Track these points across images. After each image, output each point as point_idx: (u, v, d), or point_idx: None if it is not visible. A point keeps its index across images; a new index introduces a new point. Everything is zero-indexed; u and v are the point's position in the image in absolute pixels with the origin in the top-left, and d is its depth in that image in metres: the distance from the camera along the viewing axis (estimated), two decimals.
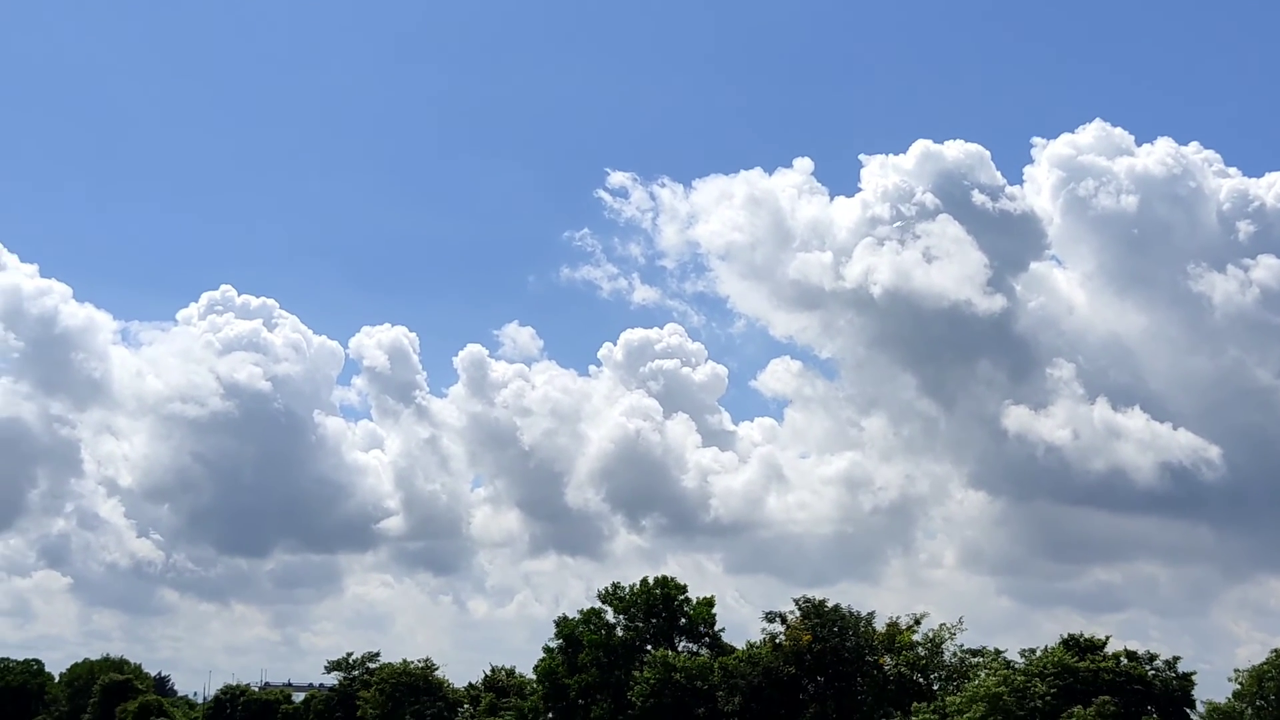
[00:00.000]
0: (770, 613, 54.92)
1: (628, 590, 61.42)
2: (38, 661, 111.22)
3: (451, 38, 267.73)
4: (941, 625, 50.70)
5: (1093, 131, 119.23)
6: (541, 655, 62.72)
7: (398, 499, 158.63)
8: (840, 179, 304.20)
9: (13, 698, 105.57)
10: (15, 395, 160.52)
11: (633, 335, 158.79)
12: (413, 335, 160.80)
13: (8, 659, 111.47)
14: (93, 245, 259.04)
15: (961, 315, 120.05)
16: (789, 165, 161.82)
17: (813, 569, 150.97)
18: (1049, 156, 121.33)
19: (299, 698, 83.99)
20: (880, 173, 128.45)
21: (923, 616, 52.00)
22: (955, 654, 49.75)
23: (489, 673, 70.35)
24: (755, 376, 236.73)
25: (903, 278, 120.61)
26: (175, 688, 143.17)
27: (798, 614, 53.67)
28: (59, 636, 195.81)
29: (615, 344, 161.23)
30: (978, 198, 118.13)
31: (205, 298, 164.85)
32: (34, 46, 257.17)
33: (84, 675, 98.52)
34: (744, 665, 53.66)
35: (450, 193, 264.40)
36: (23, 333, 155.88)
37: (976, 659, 48.57)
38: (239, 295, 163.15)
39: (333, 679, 77.24)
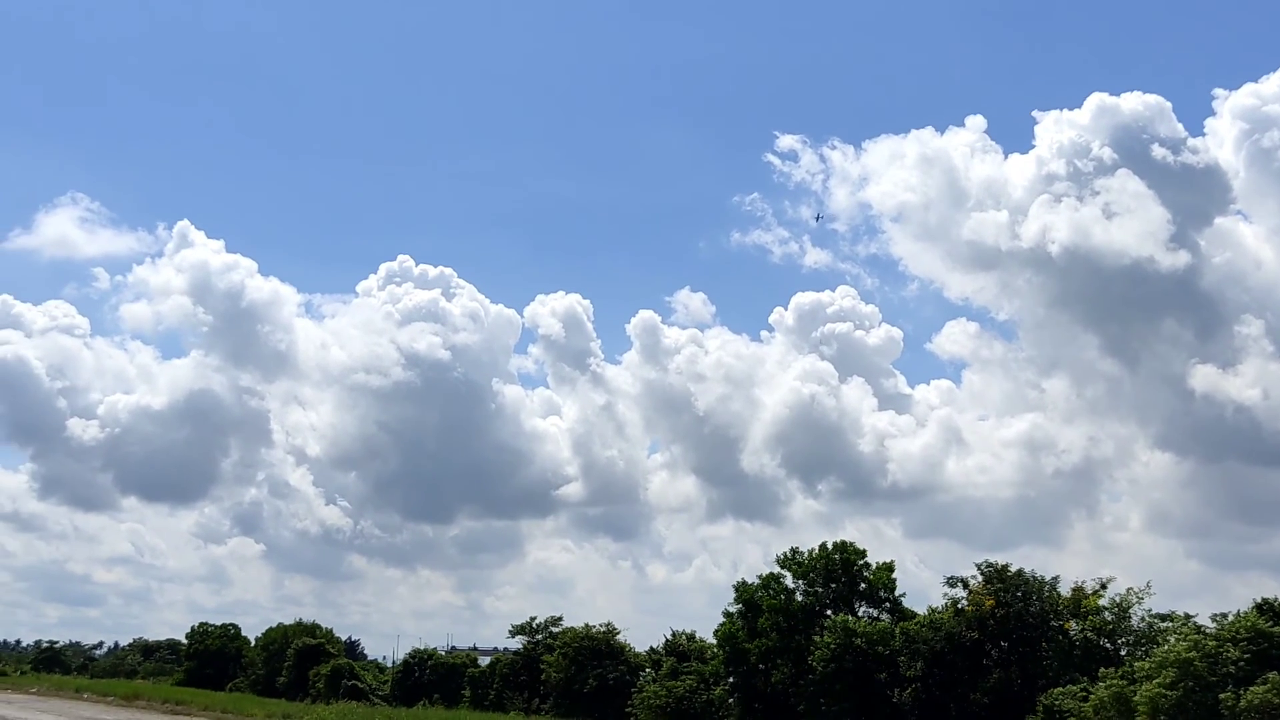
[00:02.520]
0: (952, 578, 56.17)
1: (806, 555, 63.31)
2: (235, 626, 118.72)
3: (622, 2, 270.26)
4: (1128, 590, 51.24)
5: (1277, 81, 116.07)
6: (721, 620, 64.90)
7: (576, 465, 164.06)
8: (1014, 136, 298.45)
9: (213, 661, 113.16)
10: (206, 368, 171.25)
11: (804, 299, 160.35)
12: (586, 302, 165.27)
13: (207, 624, 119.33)
14: (275, 220, 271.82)
15: (1144, 273, 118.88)
16: (961, 124, 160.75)
17: (994, 533, 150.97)
18: (1231, 108, 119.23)
19: (484, 661, 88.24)
20: (1055, 128, 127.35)
21: (1109, 581, 52.64)
22: (1143, 619, 50.28)
23: (669, 637, 73.14)
24: (930, 339, 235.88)
25: (1081, 235, 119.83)
26: (365, 651, 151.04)
27: (980, 579, 54.79)
28: (253, 602, 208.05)
29: (786, 308, 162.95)
30: (1158, 151, 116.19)
31: (384, 268, 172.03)
32: (214, 24, 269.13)
33: (278, 639, 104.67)
34: (926, 630, 55.04)
35: (621, 159, 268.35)
36: (211, 307, 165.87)
37: (1165, 624, 49.00)
38: (417, 265, 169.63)
39: (517, 643, 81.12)
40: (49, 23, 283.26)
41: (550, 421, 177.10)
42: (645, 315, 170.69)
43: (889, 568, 62.79)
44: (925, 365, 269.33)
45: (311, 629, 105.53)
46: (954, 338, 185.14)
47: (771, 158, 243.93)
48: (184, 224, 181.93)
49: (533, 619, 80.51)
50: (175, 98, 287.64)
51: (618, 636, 74.51)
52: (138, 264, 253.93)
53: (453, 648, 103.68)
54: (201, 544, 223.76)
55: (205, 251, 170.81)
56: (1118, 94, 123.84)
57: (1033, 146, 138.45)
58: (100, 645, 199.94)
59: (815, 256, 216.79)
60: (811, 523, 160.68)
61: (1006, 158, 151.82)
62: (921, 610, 58.64)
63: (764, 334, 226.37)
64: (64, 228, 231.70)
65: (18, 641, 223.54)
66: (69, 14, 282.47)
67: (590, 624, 75.83)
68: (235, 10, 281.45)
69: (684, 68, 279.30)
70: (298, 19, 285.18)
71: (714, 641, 66.61)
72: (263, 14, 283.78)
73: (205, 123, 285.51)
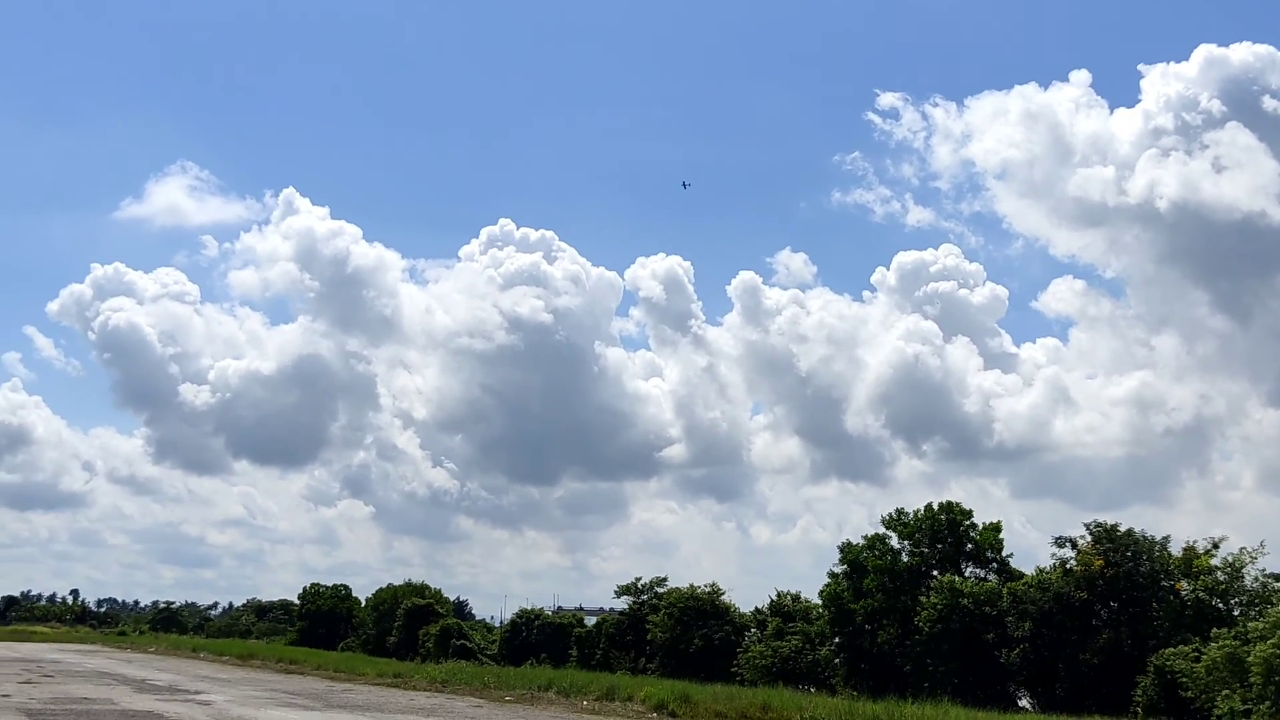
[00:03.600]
0: (1060, 538, 56.17)
1: (912, 516, 63.77)
2: (346, 587, 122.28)
3: None
4: (1241, 549, 50.83)
5: None
6: (826, 580, 65.59)
7: (679, 427, 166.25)
8: (1119, 90, 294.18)
9: (325, 621, 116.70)
10: (314, 333, 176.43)
11: (906, 258, 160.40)
12: (687, 264, 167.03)
13: (318, 584, 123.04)
14: (379, 187, 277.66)
15: (1255, 227, 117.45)
16: (1065, 79, 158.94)
17: (1102, 493, 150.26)
18: None
19: (590, 621, 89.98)
20: (1162, 82, 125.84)
21: (1221, 540, 52.32)
22: (1257, 579, 49.93)
23: (774, 598, 74.06)
24: (1036, 297, 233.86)
25: (1190, 190, 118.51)
26: (473, 611, 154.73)
27: (1088, 539, 54.75)
28: (363, 563, 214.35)
29: (889, 268, 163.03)
30: (1269, 103, 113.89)
31: (485, 232, 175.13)
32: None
33: (388, 600, 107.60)
34: (1033, 591, 55.24)
35: (721, 119, 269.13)
36: (318, 273, 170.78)
37: (1279, 584, 48.68)
38: (518, 229, 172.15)
39: (622, 603, 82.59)
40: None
41: (652, 383, 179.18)
42: (746, 276, 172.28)
43: (996, 528, 62.99)
44: (1031, 324, 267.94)
45: (420, 589, 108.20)
46: (1060, 295, 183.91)
47: (872, 116, 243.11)
48: (289, 191, 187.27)
49: (638, 579, 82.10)
50: (281, 67, 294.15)
51: (722, 597, 75.67)
52: (245, 231, 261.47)
53: (559, 608, 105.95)
54: (312, 506, 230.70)
55: (310, 218, 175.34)
56: (1226, 45, 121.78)
57: (1139, 100, 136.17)
58: (215, 606, 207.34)
59: (918, 215, 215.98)
60: (917, 483, 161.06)
61: (1112, 112, 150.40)
62: (1029, 571, 58.84)
63: (866, 294, 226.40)
64: (174, 196, 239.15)
65: (136, 602, 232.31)
66: None
67: (695, 584, 77.12)
68: None
69: (784, 26, 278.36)
70: None
71: (819, 602, 67.41)
72: None
73: (310, 91, 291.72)
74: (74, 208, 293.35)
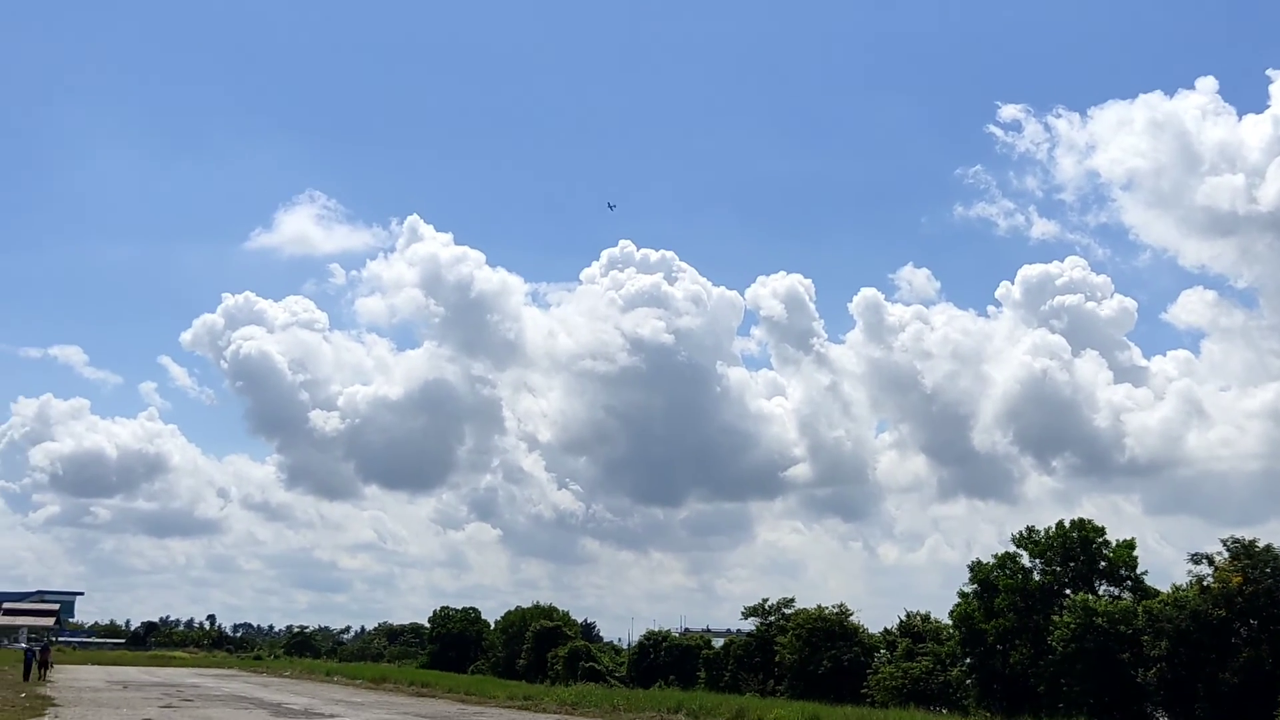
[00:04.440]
0: (1196, 554, 55.46)
1: (1043, 534, 63.36)
2: (475, 610, 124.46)
3: None
4: None
5: None
6: (956, 600, 65.35)
7: (803, 446, 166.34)
8: (1248, 96, 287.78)
9: (455, 644, 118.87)
10: (439, 358, 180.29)
11: (1031, 271, 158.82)
12: (808, 282, 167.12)
13: (448, 607, 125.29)
14: (501, 212, 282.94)
15: None
16: (1191, 86, 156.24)
17: (1239, 508, 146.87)
18: None
19: (718, 643, 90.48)
20: None
21: None
22: None
23: (904, 618, 73.93)
24: (1166, 309, 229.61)
25: None
26: (600, 633, 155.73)
27: (1226, 555, 53.99)
28: (492, 586, 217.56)
29: (1014, 282, 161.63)
30: None
31: (606, 255, 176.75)
32: (436, 22, 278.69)
33: (517, 622, 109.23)
34: (1170, 609, 54.61)
35: (840, 135, 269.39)
36: (442, 299, 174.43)
37: None
38: (638, 250, 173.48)
39: (750, 624, 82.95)
40: (281, 28, 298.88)
41: (775, 403, 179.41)
42: (868, 293, 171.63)
43: (1130, 545, 62.32)
44: (1161, 336, 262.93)
45: (549, 612, 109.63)
46: (1191, 307, 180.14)
47: (994, 129, 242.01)
48: (414, 218, 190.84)
49: (765, 600, 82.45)
50: (404, 95, 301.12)
51: (851, 618, 75.67)
52: (371, 259, 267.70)
53: (686, 629, 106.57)
54: (440, 530, 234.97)
55: (435, 245, 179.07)
56: None
57: (1268, 106, 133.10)
58: (347, 629, 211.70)
59: (1042, 228, 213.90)
60: (1047, 500, 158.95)
61: (1241, 119, 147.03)
62: (1164, 589, 58.15)
63: (991, 309, 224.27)
64: (302, 225, 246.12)
65: (270, 627, 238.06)
66: (300, 20, 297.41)
67: (823, 605, 77.23)
68: (456, 6, 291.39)
69: (902, 40, 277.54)
70: (515, 12, 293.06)
71: (949, 622, 67.20)
72: (482, 9, 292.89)
73: (433, 119, 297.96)
74: (206, 238, 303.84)
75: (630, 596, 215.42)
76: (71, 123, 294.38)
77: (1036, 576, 63.32)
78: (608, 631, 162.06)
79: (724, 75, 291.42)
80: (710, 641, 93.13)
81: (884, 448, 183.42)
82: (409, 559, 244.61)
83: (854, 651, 73.62)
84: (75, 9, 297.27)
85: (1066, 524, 63.11)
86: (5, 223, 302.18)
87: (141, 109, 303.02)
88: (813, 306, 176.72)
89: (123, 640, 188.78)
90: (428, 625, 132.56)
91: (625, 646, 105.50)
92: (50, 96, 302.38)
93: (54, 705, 50.49)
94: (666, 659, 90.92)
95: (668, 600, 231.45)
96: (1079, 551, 62.33)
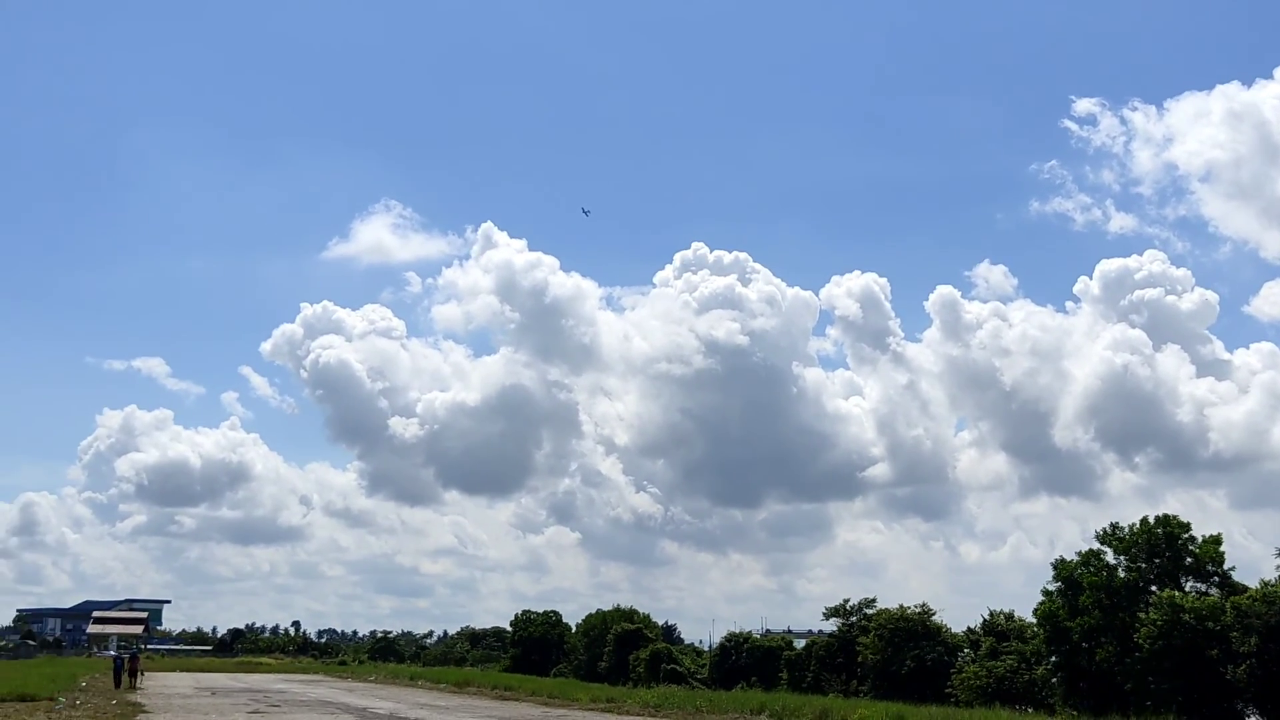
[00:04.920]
0: None
1: (1127, 530, 62.94)
2: (556, 613, 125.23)
3: None
4: None
5: None
6: (1040, 598, 65.06)
7: (881, 446, 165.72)
8: None
9: (537, 647, 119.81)
10: (516, 364, 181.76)
11: (1110, 266, 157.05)
12: (883, 281, 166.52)
13: (529, 611, 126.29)
14: (574, 217, 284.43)
15: None
16: (1269, 75, 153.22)
17: None
18: None
19: (799, 643, 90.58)
20: None
21: None
22: None
23: (987, 616, 73.68)
24: (1248, 301, 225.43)
25: None
26: (681, 635, 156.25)
27: None
28: (572, 589, 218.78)
29: (1092, 277, 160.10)
30: None
31: (679, 257, 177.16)
32: (506, 28, 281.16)
33: (598, 625, 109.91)
34: (1259, 605, 54.14)
35: (912, 133, 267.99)
36: (518, 305, 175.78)
37: None
38: (711, 252, 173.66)
39: (831, 625, 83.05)
40: (354, 42, 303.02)
41: (853, 403, 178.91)
42: (944, 291, 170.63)
43: (1216, 541, 61.71)
44: (1244, 329, 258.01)
45: (629, 614, 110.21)
46: (1274, 299, 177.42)
47: (1068, 123, 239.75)
48: (488, 225, 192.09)
49: (846, 601, 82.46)
50: (475, 102, 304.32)
51: (933, 617, 75.53)
52: (447, 266, 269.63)
53: (767, 630, 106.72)
54: (520, 534, 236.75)
55: (509, 251, 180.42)
56: None
57: None
58: (430, 634, 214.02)
59: (1120, 222, 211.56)
60: (1130, 496, 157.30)
61: None
62: (1253, 584, 57.55)
63: (1069, 304, 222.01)
64: (379, 234, 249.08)
65: (354, 632, 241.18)
66: (373, 33, 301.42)
67: (905, 605, 77.13)
68: (525, 13, 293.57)
69: (976, 37, 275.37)
70: (586, 18, 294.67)
71: (1033, 620, 66.91)
72: (552, 15, 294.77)
73: (504, 125, 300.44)
74: (284, 250, 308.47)
75: (710, 598, 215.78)
76: (153, 140, 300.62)
77: (1121, 573, 62.89)
78: (688, 633, 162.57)
79: (795, 75, 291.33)
80: (791, 643, 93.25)
81: (963, 446, 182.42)
82: (489, 563, 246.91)
83: (937, 651, 73.48)
84: (155, 30, 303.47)
85: (1151, 520, 62.64)
86: (90, 239, 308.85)
87: (220, 125, 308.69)
88: (888, 305, 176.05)
89: (210, 647, 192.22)
90: (509, 629, 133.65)
91: (706, 648, 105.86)
92: (131, 115, 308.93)
93: (145, 712, 51.88)
94: (748, 660, 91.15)
95: (748, 602, 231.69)
96: (1164, 548, 61.82)
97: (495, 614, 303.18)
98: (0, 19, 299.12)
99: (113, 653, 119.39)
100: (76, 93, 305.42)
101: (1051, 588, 64.89)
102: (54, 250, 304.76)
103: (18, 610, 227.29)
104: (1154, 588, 61.34)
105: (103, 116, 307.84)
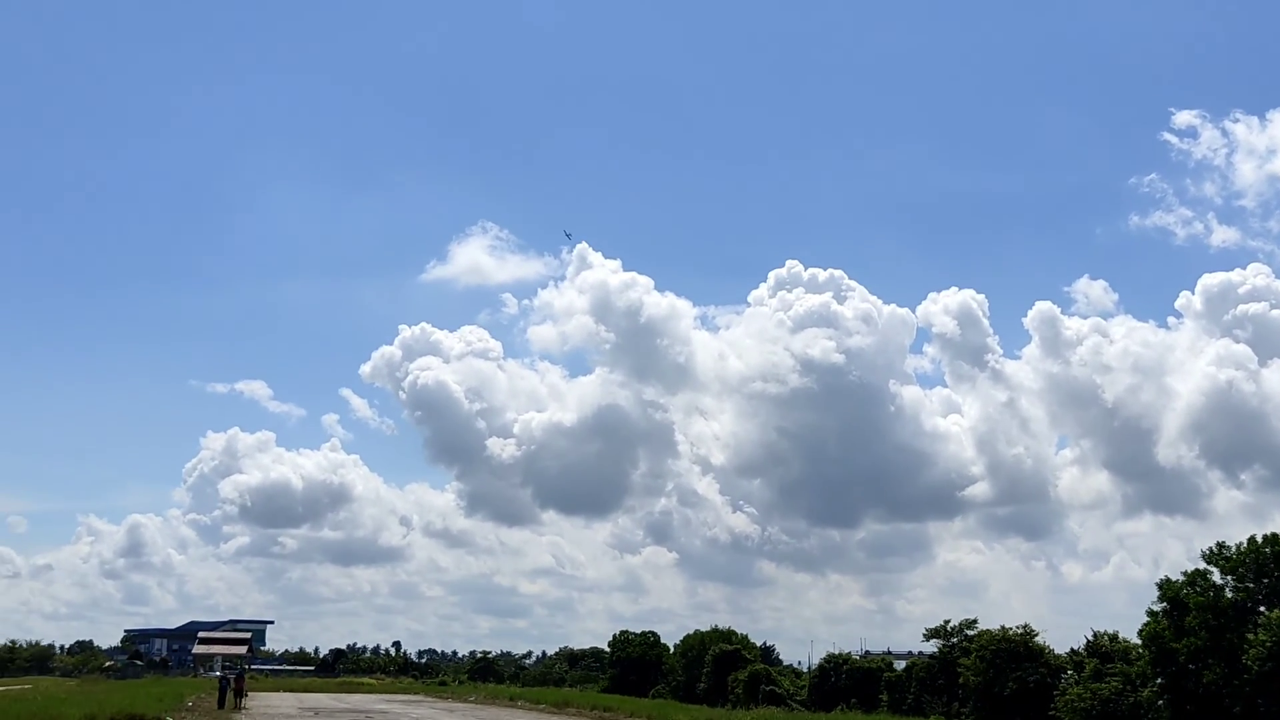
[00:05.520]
0: None
1: (1234, 549, 62.12)
2: (654, 633, 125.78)
3: None
4: None
5: None
6: (1145, 619, 64.39)
7: (981, 465, 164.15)
8: None
9: (635, 668, 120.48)
10: (611, 384, 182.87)
11: (1213, 280, 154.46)
12: (980, 297, 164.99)
13: (627, 632, 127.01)
14: (667, 236, 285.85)
15: None
16: None
17: None
18: None
19: (899, 665, 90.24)
20: None
21: None
22: None
23: (1091, 638, 72.90)
24: None
25: None
26: (780, 656, 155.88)
27: None
28: (669, 609, 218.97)
29: (1194, 291, 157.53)
30: None
31: (773, 275, 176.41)
32: (597, 46, 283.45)
33: (696, 646, 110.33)
34: None
35: (1008, 146, 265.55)
36: (612, 325, 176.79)
37: None
38: (806, 270, 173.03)
39: (931, 646, 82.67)
40: (448, 65, 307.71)
41: (951, 420, 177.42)
42: (1043, 307, 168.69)
43: None
44: None
45: (727, 635, 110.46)
46: None
47: (1168, 136, 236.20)
48: (583, 246, 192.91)
49: (946, 622, 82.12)
50: (567, 123, 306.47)
51: (1036, 638, 74.98)
52: (542, 287, 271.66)
53: (866, 652, 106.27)
54: (617, 554, 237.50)
55: (604, 272, 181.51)
56: None
57: None
58: (529, 654, 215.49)
59: (1222, 235, 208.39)
60: (1237, 515, 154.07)
61: None
62: None
63: (1171, 320, 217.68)
64: (476, 256, 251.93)
65: (454, 652, 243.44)
66: (467, 55, 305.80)
67: (1006, 626, 76.66)
68: (617, 33, 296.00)
69: (1071, 48, 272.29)
70: (677, 32, 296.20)
71: (1138, 641, 66.19)
72: (643, 34, 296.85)
73: (597, 145, 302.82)
74: (382, 273, 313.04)
75: (808, 619, 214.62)
76: (254, 167, 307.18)
77: (1229, 593, 62.09)
78: (787, 654, 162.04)
79: (890, 89, 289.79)
80: (891, 664, 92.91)
81: (1065, 464, 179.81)
82: (587, 583, 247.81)
83: (1040, 672, 72.97)
84: (256, 58, 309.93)
85: (1259, 539, 61.77)
86: (192, 265, 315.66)
87: (318, 150, 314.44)
88: (986, 322, 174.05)
89: (312, 667, 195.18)
90: (607, 649, 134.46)
91: (805, 669, 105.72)
92: (234, 142, 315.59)
93: None
94: (848, 682, 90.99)
95: (846, 622, 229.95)
96: (1273, 567, 60.94)
97: (593, 634, 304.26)
98: (109, 49, 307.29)
99: (218, 673, 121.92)
100: (181, 121, 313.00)
101: (1157, 608, 64.20)
102: (159, 276, 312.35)
103: (125, 631, 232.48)
104: (1262, 608, 60.43)
105: (206, 144, 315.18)
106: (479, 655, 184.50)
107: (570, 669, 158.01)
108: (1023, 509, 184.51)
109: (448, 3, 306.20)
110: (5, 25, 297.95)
